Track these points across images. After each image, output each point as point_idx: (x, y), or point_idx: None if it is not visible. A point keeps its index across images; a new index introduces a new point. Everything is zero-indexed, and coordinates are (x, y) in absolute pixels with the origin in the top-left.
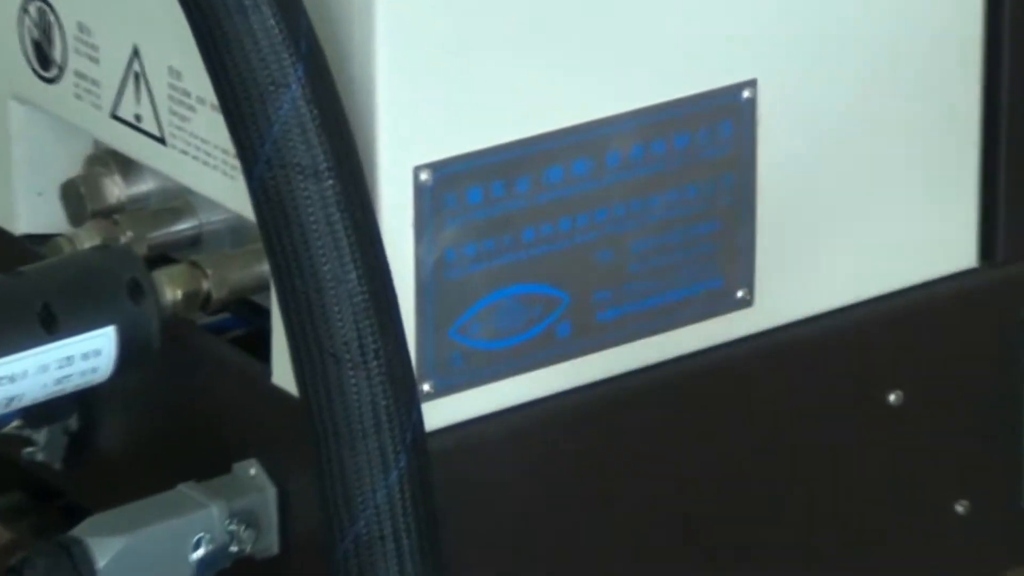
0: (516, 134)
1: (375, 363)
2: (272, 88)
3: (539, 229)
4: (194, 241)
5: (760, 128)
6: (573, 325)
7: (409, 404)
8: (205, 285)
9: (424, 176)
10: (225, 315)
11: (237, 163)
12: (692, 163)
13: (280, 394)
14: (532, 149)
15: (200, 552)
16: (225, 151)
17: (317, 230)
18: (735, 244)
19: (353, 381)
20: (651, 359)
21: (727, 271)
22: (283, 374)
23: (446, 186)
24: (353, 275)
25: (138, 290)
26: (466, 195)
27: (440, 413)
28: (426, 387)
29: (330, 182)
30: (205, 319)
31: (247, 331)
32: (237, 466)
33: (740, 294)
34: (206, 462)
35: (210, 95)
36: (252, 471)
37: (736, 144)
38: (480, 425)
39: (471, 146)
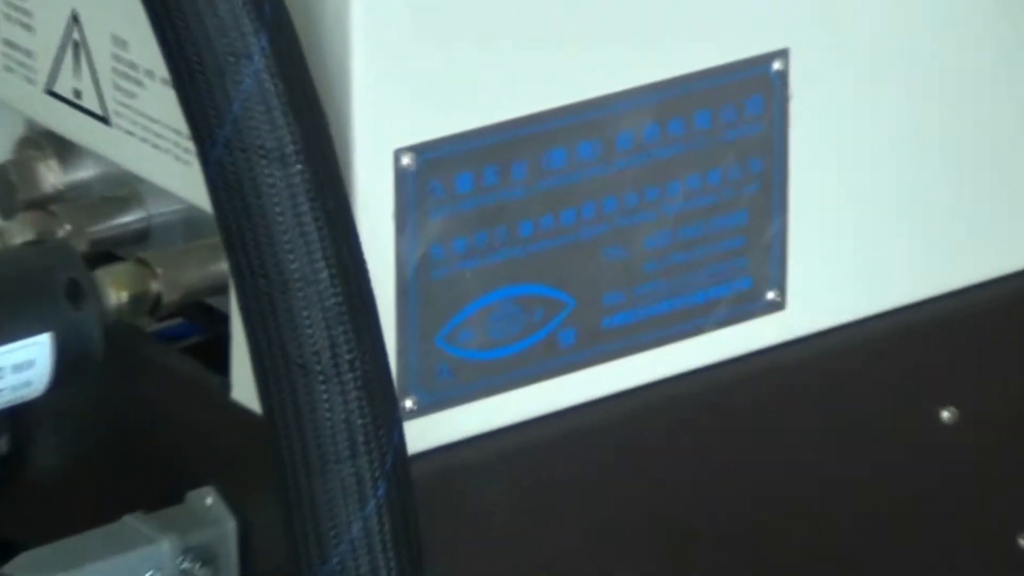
0: (512, 112)
1: (350, 376)
2: (232, 59)
3: (539, 221)
4: (142, 236)
5: (793, 105)
6: (578, 332)
7: (389, 423)
8: (154, 286)
9: (406, 160)
10: (178, 321)
11: (191, 146)
12: (715, 145)
13: (240, 412)
14: (530, 129)
15: None
16: (178, 132)
17: (283, 222)
18: (764, 239)
19: (325, 396)
20: (668, 371)
21: (755, 270)
22: (244, 388)
23: (431, 171)
24: (325, 274)
25: (77, 292)
26: (454, 182)
27: (425, 434)
28: (408, 403)
29: (298, 167)
30: (155, 326)
31: (203, 339)
32: (191, 495)
33: (770, 296)
34: (156, 490)
35: (160, 68)
36: (208, 500)
37: (765, 123)
38: (471, 448)
39: (460, 126)
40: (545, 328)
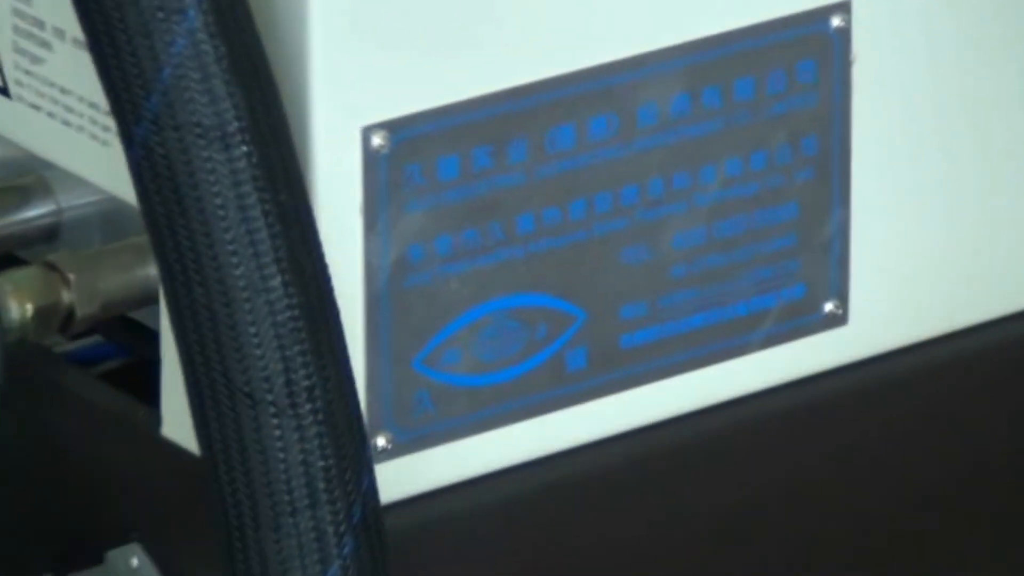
0: (508, 80)
1: (308, 407)
2: (161, 15)
3: (541, 215)
4: (51, 234)
5: (856, 71)
6: (591, 352)
7: (357, 466)
8: (66, 297)
9: (377, 140)
10: (95, 339)
11: (111, 123)
12: (760, 121)
13: (173, 451)
14: (531, 102)
15: None
16: (94, 106)
17: (225, 217)
18: (821, 237)
19: (277, 433)
20: (701, 402)
21: (810, 275)
22: (177, 423)
23: (408, 154)
24: (277, 281)
25: None
26: (436, 167)
27: (400, 479)
28: (381, 441)
29: (243, 149)
30: (67, 345)
31: (126, 362)
32: (113, 554)
33: (829, 307)
34: (69, 548)
35: (73, 26)
36: (133, 561)
37: (822, 93)
38: (456, 496)
39: (444, 97)
40: (549, 347)
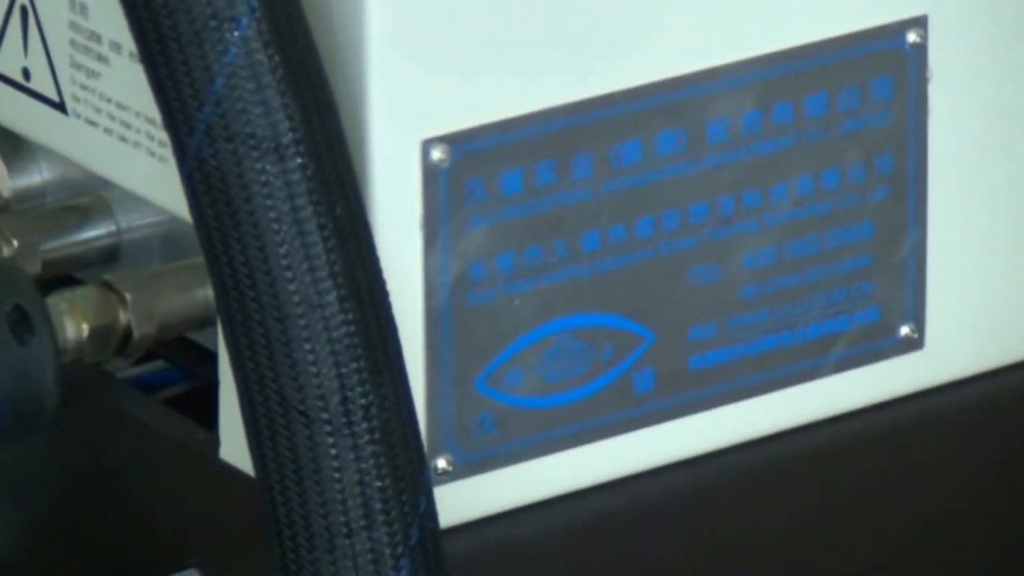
0: (574, 93)
1: (364, 426)
2: (213, 24)
3: (607, 233)
4: (110, 255)
5: (933, 87)
6: (658, 374)
7: (415, 487)
8: (123, 317)
9: (438, 154)
10: (160, 364)
11: (169, 139)
12: (833, 138)
13: (231, 474)
14: (596, 116)
15: None
16: (151, 121)
17: (279, 231)
18: (896, 258)
19: (333, 452)
20: (772, 426)
21: (885, 298)
22: (236, 445)
23: (470, 168)
24: (332, 297)
25: (24, 324)
26: (499, 182)
27: (461, 501)
28: (441, 463)
29: (298, 161)
30: (130, 371)
31: (190, 387)
32: None
33: (904, 331)
34: (128, 571)
35: (129, 39)
36: None
37: (897, 111)
38: (519, 520)
39: (506, 110)
40: (616, 369)
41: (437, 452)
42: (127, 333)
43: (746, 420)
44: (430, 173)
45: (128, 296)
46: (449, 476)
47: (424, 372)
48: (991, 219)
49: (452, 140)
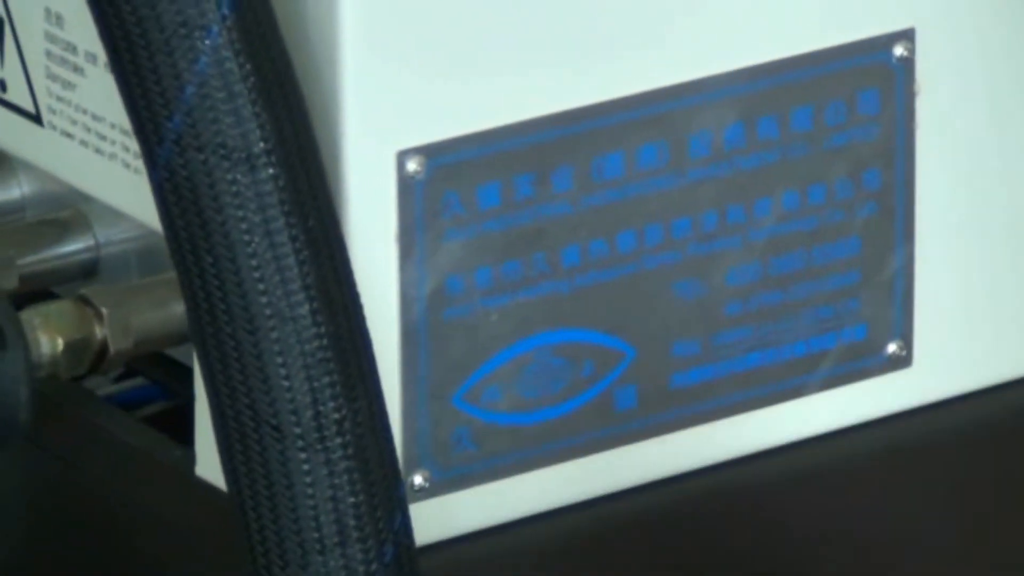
0: (554, 104)
1: (337, 441)
2: (183, 32)
3: (587, 247)
4: (89, 269)
5: (921, 101)
6: (640, 392)
7: (389, 504)
8: (99, 332)
9: (413, 166)
10: (139, 381)
11: None
12: (819, 153)
13: (207, 492)
14: (577, 128)
15: None
16: (127, 132)
17: (250, 242)
18: (884, 275)
19: (306, 468)
20: (756, 445)
21: (872, 315)
22: (212, 463)
23: (446, 180)
24: (305, 309)
25: None
26: (476, 194)
27: (438, 519)
28: (417, 480)
29: (270, 171)
30: (109, 388)
31: (170, 405)
32: None
33: (892, 349)
34: None
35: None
36: None
37: (884, 125)
38: (496, 539)
39: (484, 121)
40: (597, 386)
41: (413, 468)
42: (103, 348)
43: (730, 439)
44: (406, 185)
45: (104, 311)
46: (426, 492)
47: (400, 387)
48: (981, 235)
49: (428, 151)
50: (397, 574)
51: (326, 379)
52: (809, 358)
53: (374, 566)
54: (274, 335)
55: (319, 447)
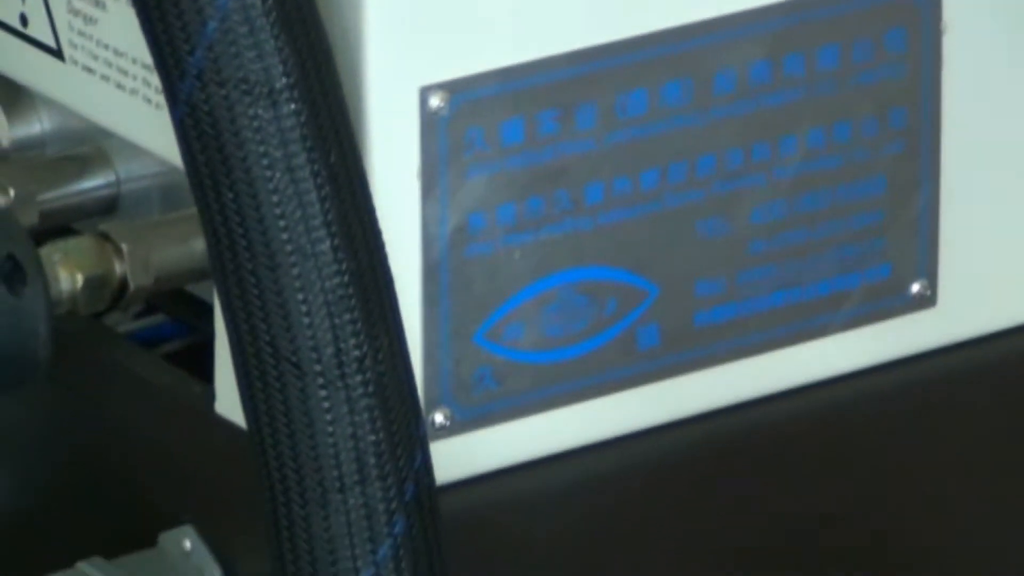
0: (578, 41)
1: (359, 378)
2: None
3: (611, 185)
4: (109, 205)
5: (948, 40)
6: (663, 330)
7: (410, 442)
8: (119, 268)
9: (436, 102)
10: (160, 318)
11: None
12: (845, 91)
13: (227, 429)
14: (601, 65)
15: None
16: (148, 67)
17: (272, 178)
18: (909, 214)
19: (326, 405)
20: (779, 384)
21: (897, 254)
22: (232, 400)
23: (470, 116)
24: (326, 245)
25: (17, 273)
26: (500, 131)
27: (459, 457)
28: (438, 418)
29: (291, 107)
30: (130, 324)
31: (190, 342)
32: (165, 536)
33: (916, 288)
34: (120, 530)
35: None
36: (186, 544)
37: (910, 64)
38: (519, 477)
39: (508, 58)
40: (619, 324)
41: (434, 406)
42: (123, 284)
43: (753, 377)
44: (428, 121)
45: (124, 246)
46: (447, 431)
47: (421, 325)
48: (1006, 175)
49: (451, 87)
50: (417, 513)
51: (347, 316)
52: (833, 297)
53: (394, 504)
54: (295, 271)
55: (340, 384)
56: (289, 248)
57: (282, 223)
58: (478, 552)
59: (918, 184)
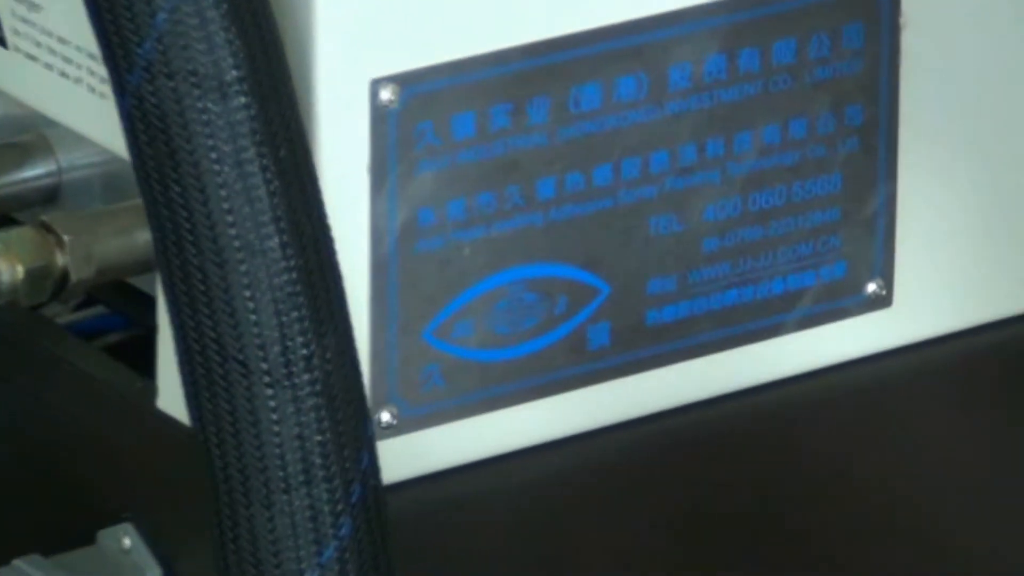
0: (531, 34)
1: (305, 377)
2: None
3: (563, 180)
4: (50, 195)
5: (907, 36)
6: (614, 329)
7: (357, 442)
8: (60, 259)
9: (387, 95)
10: (100, 310)
11: None
12: (801, 86)
13: (169, 425)
14: (554, 58)
15: None
16: (93, 56)
17: (220, 172)
18: (865, 212)
19: (272, 404)
20: (732, 384)
21: (853, 253)
22: (174, 396)
23: (420, 110)
24: (275, 242)
25: None
26: (451, 125)
27: (407, 457)
28: (385, 417)
29: (241, 100)
30: (69, 316)
31: (131, 335)
32: (104, 533)
33: (872, 288)
34: (58, 527)
35: None
36: (125, 541)
37: (868, 59)
38: (466, 478)
39: (460, 50)
40: (570, 322)
41: (382, 405)
42: (64, 276)
43: (705, 378)
44: (379, 114)
45: (66, 238)
46: (394, 430)
47: (369, 322)
48: (965, 174)
49: (402, 80)
50: (364, 514)
51: (295, 314)
52: (787, 296)
53: (340, 506)
54: (243, 268)
55: (286, 384)
56: (237, 244)
57: (230, 218)
58: (425, 552)
59: (875, 182)
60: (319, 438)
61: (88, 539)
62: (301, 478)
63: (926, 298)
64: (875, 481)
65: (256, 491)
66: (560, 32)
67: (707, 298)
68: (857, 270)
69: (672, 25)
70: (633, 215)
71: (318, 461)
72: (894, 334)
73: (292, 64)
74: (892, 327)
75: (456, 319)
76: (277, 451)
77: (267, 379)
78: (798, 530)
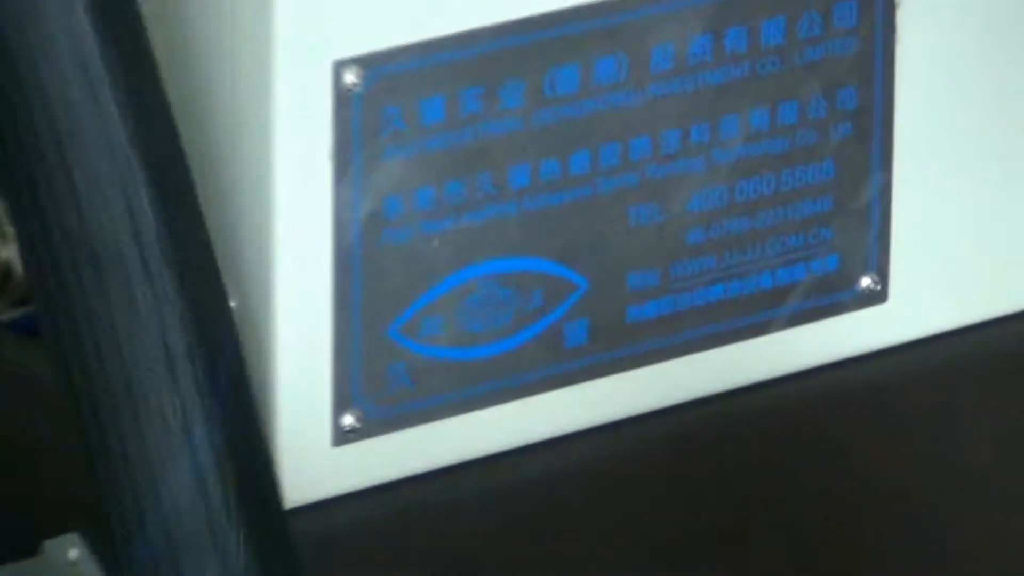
0: (502, 14)
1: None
2: None
3: (538, 168)
4: None
5: (902, 13)
6: (592, 326)
7: (218, 332)
8: (3, 253)
9: (350, 77)
10: None
11: None
12: (791, 68)
13: None
14: (529, 39)
15: None
16: None
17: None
18: (859, 201)
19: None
20: (718, 385)
21: (846, 246)
22: None
23: (386, 94)
24: (113, 114)
25: None
26: (419, 110)
27: (371, 462)
28: (348, 419)
29: None
30: (11, 312)
31: None
32: (49, 544)
33: (865, 283)
34: (2, 537)
35: None
36: (72, 553)
37: (862, 40)
38: (435, 484)
39: (428, 31)
40: (546, 319)
41: (345, 407)
42: (6, 270)
43: (689, 378)
44: (342, 98)
45: (10, 230)
46: (357, 434)
47: (332, 318)
48: (964, 162)
49: (367, 62)
50: (233, 401)
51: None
52: (776, 291)
53: (208, 400)
54: (76, 139)
55: (143, 277)
56: (80, 114)
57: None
58: (391, 561)
59: (869, 170)
60: (182, 335)
61: (32, 550)
62: (166, 375)
63: (923, 293)
64: (870, 485)
65: (120, 394)
66: (535, 11)
67: (691, 293)
68: (850, 263)
69: (654, 3)
70: (612, 205)
71: (181, 349)
72: (889, 331)
73: (248, 43)
74: (887, 324)
75: (424, 316)
76: (140, 348)
77: (125, 272)
78: (789, 536)
